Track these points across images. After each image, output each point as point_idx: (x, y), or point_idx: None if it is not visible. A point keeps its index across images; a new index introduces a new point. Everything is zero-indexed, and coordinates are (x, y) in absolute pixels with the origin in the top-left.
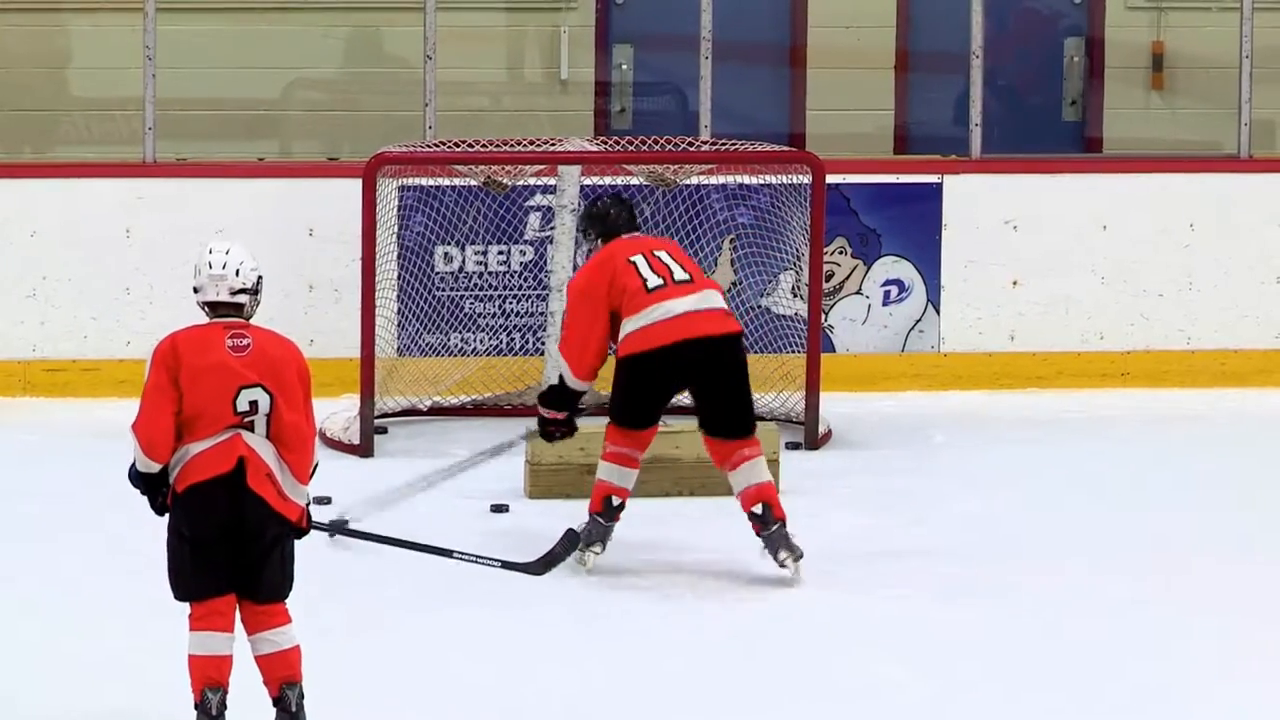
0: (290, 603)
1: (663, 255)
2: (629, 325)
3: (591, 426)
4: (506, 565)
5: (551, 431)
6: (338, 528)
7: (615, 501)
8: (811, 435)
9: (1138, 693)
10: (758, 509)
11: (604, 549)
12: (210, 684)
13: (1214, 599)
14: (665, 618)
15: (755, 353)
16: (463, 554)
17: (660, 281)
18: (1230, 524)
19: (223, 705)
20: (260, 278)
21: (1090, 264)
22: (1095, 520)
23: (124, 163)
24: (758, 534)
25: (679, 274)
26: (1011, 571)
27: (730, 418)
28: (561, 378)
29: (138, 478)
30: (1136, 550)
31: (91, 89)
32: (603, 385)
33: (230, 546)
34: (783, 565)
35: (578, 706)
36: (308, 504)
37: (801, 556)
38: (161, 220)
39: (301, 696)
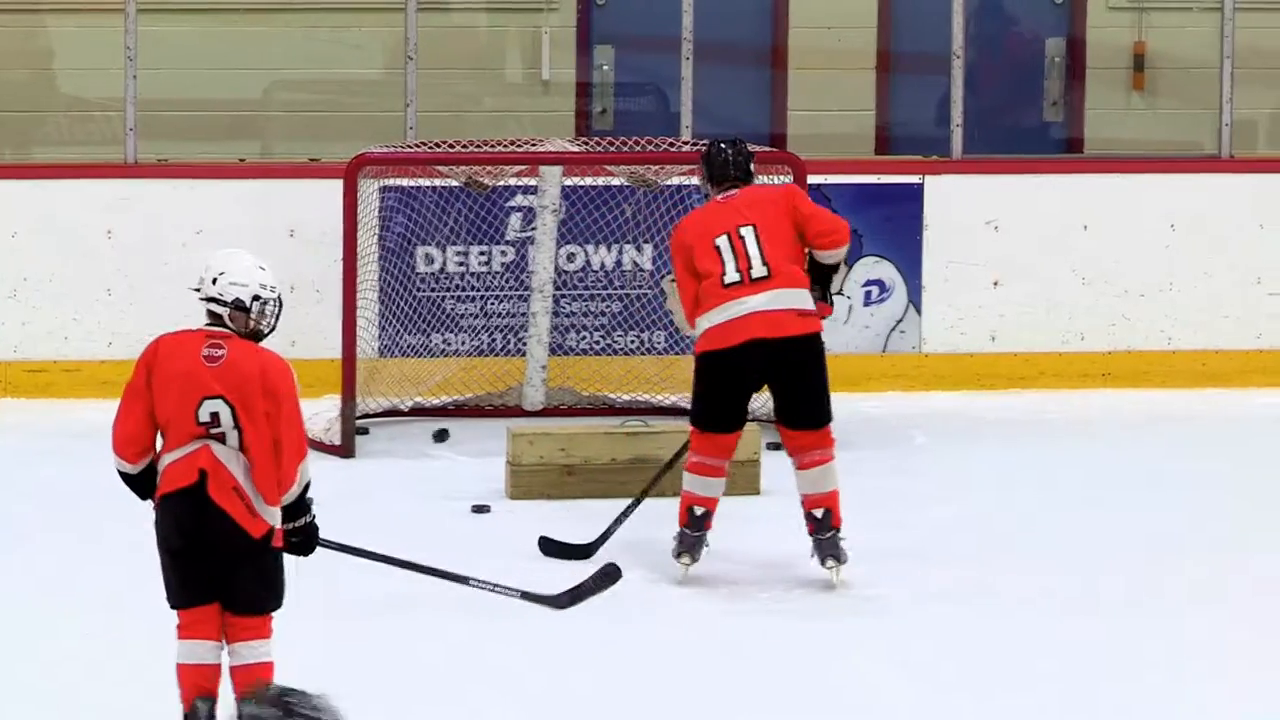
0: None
1: (748, 237)
2: (704, 321)
3: (573, 428)
4: (526, 596)
5: None
6: (347, 548)
7: (699, 511)
8: None
9: (1125, 694)
10: (818, 513)
11: (695, 559)
12: (200, 693)
13: (1199, 598)
14: (648, 619)
15: None
16: (480, 582)
17: (737, 277)
18: (1212, 524)
19: (212, 715)
20: (256, 299)
21: (1071, 264)
22: (1077, 521)
23: (105, 164)
24: (810, 534)
25: (757, 268)
26: (993, 572)
27: (800, 410)
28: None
29: (122, 478)
30: (1119, 551)
31: (73, 90)
32: (588, 387)
33: (203, 557)
34: (828, 569)
35: (561, 711)
36: (299, 523)
37: (846, 563)
38: (143, 221)
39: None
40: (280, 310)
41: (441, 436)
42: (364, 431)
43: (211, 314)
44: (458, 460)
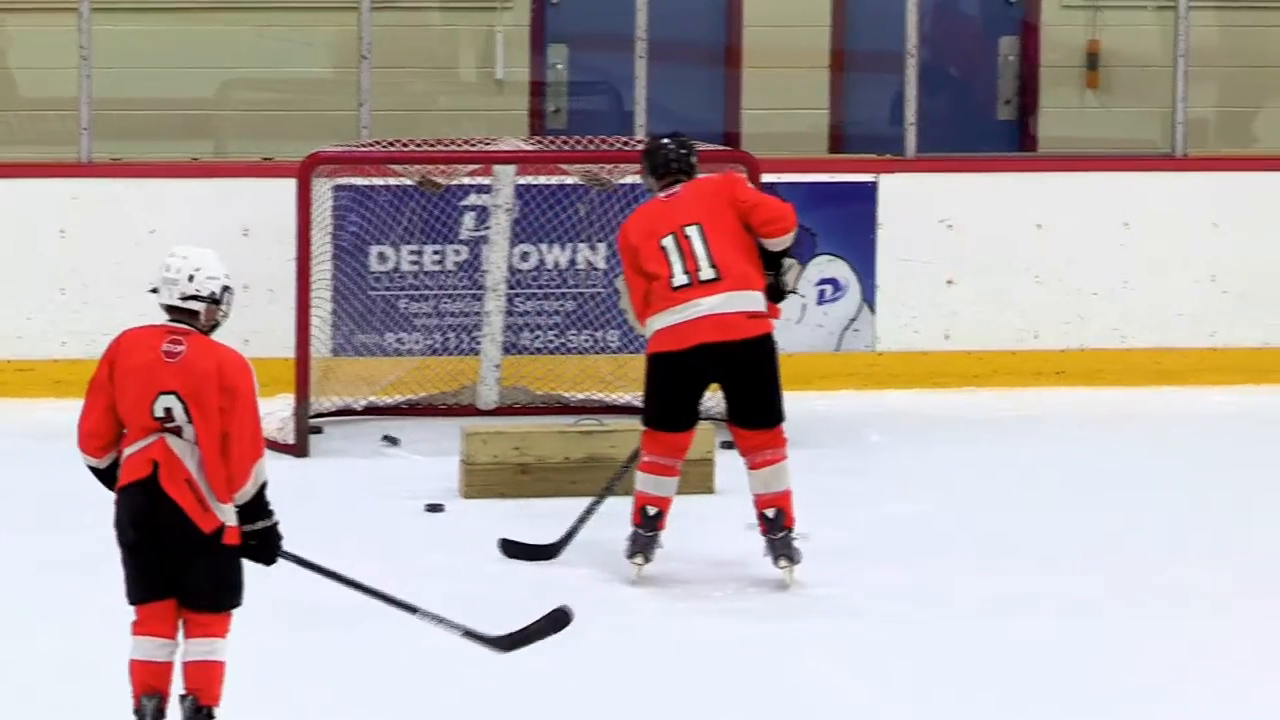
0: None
1: (694, 237)
2: (655, 322)
3: (527, 427)
4: (469, 634)
5: None
6: (307, 563)
7: (651, 511)
8: None
9: (1077, 696)
10: (770, 513)
11: (649, 559)
12: (147, 690)
13: (1153, 597)
14: (600, 619)
15: None
16: (426, 614)
17: (686, 280)
18: (1166, 522)
19: (159, 713)
20: (226, 289)
21: (1025, 263)
22: (1031, 519)
23: (59, 163)
24: (763, 534)
25: (705, 270)
26: (947, 571)
27: (752, 411)
28: None
29: (91, 472)
30: (1073, 550)
31: (26, 89)
32: (541, 386)
33: (156, 550)
34: (781, 569)
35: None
36: (257, 526)
37: (799, 562)
38: (97, 220)
39: (195, 710)
40: (233, 298)
41: (392, 441)
42: (318, 431)
43: (173, 310)
44: (412, 459)
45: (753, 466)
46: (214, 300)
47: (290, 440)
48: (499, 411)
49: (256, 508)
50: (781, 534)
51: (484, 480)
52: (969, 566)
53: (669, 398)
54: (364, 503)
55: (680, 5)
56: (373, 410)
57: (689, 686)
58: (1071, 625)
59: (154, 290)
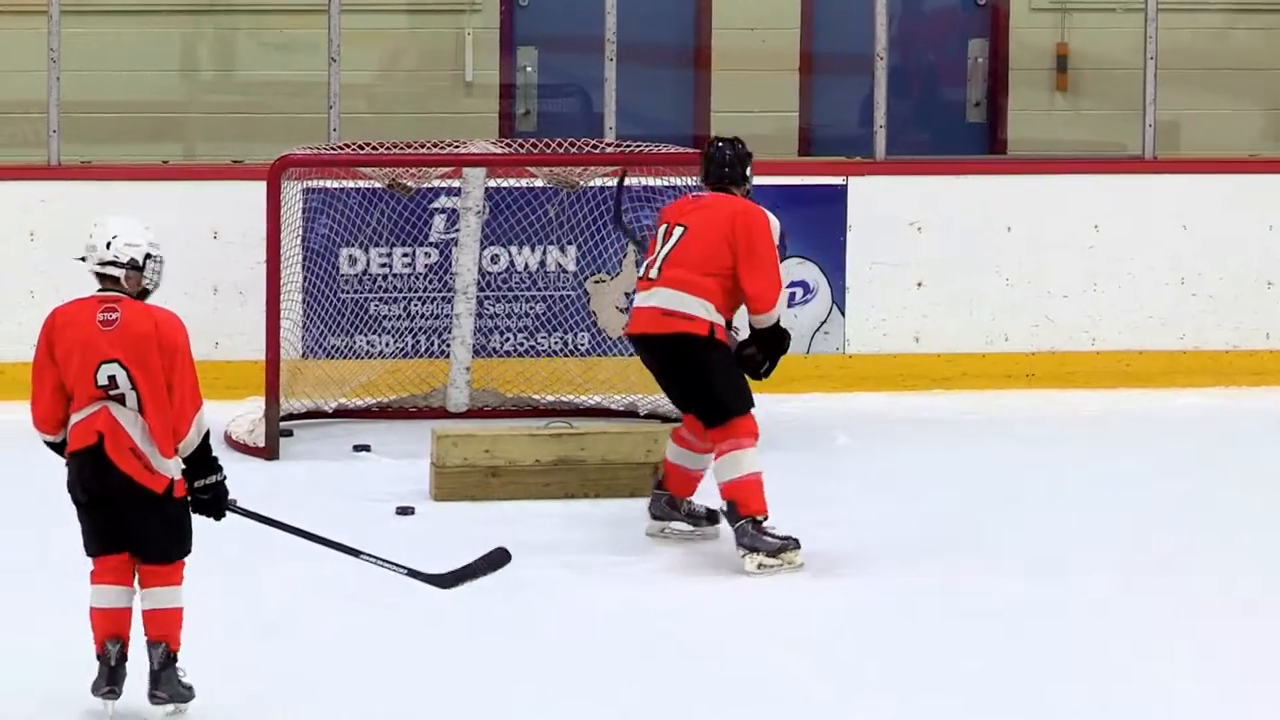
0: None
1: (674, 236)
2: None
3: (497, 430)
4: (413, 574)
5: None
6: (255, 515)
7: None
8: None
9: (1048, 694)
10: (724, 505)
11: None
12: (109, 635)
13: (1120, 599)
14: (568, 617)
15: None
16: (370, 556)
17: (642, 272)
18: (1134, 524)
19: (122, 656)
20: (149, 257)
21: (995, 265)
22: (999, 521)
23: (28, 165)
24: (730, 523)
25: (656, 267)
26: (915, 572)
27: (692, 407)
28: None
29: (47, 445)
30: (1041, 551)
31: None
32: (512, 388)
33: (109, 510)
34: (742, 558)
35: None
36: (208, 480)
37: (763, 551)
38: (66, 223)
39: (167, 657)
40: (163, 267)
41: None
42: (288, 433)
43: (105, 278)
44: (382, 462)
45: (714, 457)
46: (135, 266)
47: (260, 443)
48: (469, 414)
49: (203, 462)
50: (738, 524)
51: (454, 483)
52: (936, 568)
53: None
54: (334, 505)
55: (649, 8)
56: (343, 413)
57: (654, 682)
58: (1039, 625)
59: (81, 259)
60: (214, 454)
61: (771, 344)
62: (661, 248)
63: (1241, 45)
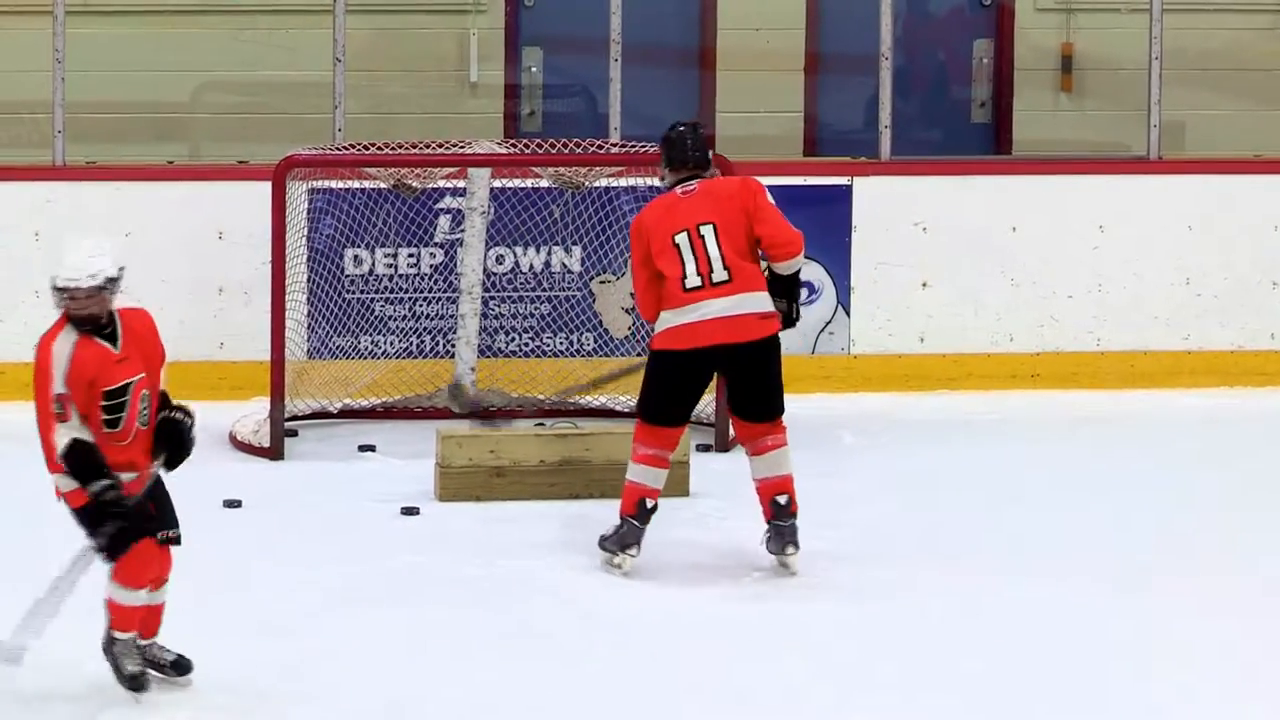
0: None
1: (708, 237)
2: (667, 318)
3: (502, 430)
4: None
5: None
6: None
7: (649, 504)
8: (721, 437)
9: (1052, 694)
10: (781, 499)
11: (639, 551)
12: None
13: (1122, 599)
14: (570, 618)
15: None
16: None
17: (699, 281)
18: (1139, 524)
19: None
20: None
21: (1000, 265)
22: (1006, 522)
23: (33, 166)
24: (768, 521)
25: (719, 272)
26: (921, 572)
27: (757, 405)
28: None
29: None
30: (1047, 552)
31: (0, 92)
32: (517, 388)
33: None
34: (784, 555)
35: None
36: (96, 496)
37: (799, 550)
38: (71, 223)
39: (108, 640)
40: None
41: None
42: (293, 434)
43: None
44: (387, 462)
45: (755, 452)
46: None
47: (265, 443)
48: (473, 415)
49: (78, 477)
50: (789, 521)
51: (459, 483)
52: (942, 568)
53: (672, 394)
54: (339, 505)
55: (654, 8)
56: (348, 413)
57: (663, 685)
58: (1045, 625)
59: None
60: (87, 468)
61: (795, 290)
62: (705, 250)
63: (1247, 45)
